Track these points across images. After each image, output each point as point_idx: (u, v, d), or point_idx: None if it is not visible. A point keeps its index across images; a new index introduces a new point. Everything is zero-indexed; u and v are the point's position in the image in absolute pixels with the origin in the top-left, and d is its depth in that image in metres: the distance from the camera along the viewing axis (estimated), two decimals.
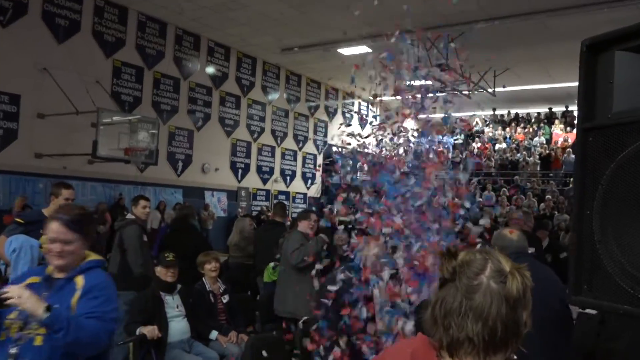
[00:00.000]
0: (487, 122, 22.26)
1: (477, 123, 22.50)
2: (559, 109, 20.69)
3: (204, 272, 5.21)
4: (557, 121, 19.97)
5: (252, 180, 16.24)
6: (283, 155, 17.36)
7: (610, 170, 1.58)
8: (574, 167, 1.75)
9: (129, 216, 5.78)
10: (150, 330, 4.31)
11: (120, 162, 10.84)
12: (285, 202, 17.07)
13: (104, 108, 10.57)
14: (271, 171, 16.92)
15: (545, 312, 2.49)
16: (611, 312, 1.59)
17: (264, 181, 16.68)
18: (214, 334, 4.89)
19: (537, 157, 18.15)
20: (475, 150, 19.75)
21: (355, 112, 19.70)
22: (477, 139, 21.05)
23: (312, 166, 18.48)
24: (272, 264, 6.29)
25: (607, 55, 1.64)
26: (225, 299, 5.22)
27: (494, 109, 21.72)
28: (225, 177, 15.38)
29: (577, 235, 1.66)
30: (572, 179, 16.26)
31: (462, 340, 1.12)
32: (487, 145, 19.99)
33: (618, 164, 1.56)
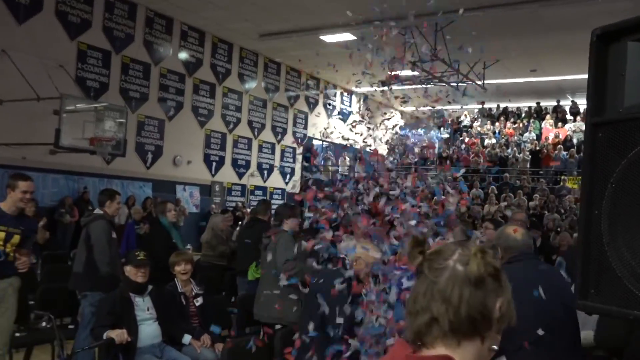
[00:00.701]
0: (476, 117, 22.46)
1: (465, 117, 22.72)
2: (549, 103, 20.97)
3: (175, 273, 5.16)
4: (548, 116, 20.22)
5: (227, 174, 16.13)
6: (260, 147, 17.28)
7: (620, 167, 1.58)
8: (582, 165, 1.75)
9: (97, 211, 5.67)
10: (118, 334, 4.25)
11: (84, 152, 10.68)
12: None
13: (68, 94, 10.38)
14: (247, 165, 16.83)
15: (548, 316, 2.49)
16: (620, 318, 1.60)
17: (240, 175, 16.59)
18: (187, 338, 4.83)
19: (528, 153, 18.36)
20: (463, 146, 19.94)
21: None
22: (464, 133, 21.24)
23: (291, 160, 18.46)
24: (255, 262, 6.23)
25: (618, 46, 1.64)
26: (198, 301, 5.16)
27: (483, 103, 21.92)
28: (198, 170, 15.25)
29: (585, 236, 1.67)
30: (562, 177, 16.51)
31: (428, 322, 1.16)
32: (475, 141, 20.17)
33: (629, 161, 1.56)
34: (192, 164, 14.98)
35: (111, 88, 12.83)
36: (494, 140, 20.13)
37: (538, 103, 20.88)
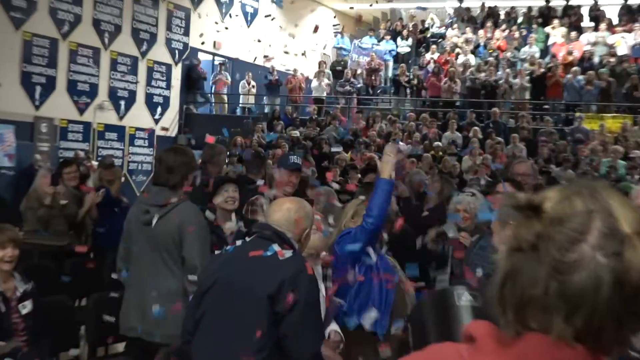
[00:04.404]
0: (451, 21, 22.71)
1: (432, 21, 22.94)
2: (557, 2, 21.43)
3: None
4: (556, 22, 20.62)
5: (60, 106, 15.90)
6: (114, 63, 17.06)
7: None
8: None
9: None
10: None
11: None
12: (119, 145, 16.75)
13: None
14: (94, 91, 16.51)
15: None
16: None
17: (81, 109, 16.20)
18: None
19: (527, 78, 18.73)
20: (432, 66, 20.12)
21: None
22: (433, 47, 21.42)
23: (164, 84, 18.23)
24: None
25: None
26: (26, 307, 4.98)
27: (460, 1, 22.23)
28: (13, 99, 14.90)
29: None
30: (577, 114, 16.95)
31: (544, 327, 1.11)
32: (449, 58, 20.41)
33: None
34: (2, 89, 14.45)
35: None
36: (476, 58, 20.47)
37: (547, 1, 21.29)
